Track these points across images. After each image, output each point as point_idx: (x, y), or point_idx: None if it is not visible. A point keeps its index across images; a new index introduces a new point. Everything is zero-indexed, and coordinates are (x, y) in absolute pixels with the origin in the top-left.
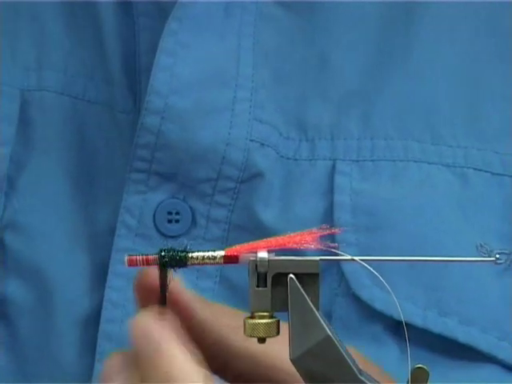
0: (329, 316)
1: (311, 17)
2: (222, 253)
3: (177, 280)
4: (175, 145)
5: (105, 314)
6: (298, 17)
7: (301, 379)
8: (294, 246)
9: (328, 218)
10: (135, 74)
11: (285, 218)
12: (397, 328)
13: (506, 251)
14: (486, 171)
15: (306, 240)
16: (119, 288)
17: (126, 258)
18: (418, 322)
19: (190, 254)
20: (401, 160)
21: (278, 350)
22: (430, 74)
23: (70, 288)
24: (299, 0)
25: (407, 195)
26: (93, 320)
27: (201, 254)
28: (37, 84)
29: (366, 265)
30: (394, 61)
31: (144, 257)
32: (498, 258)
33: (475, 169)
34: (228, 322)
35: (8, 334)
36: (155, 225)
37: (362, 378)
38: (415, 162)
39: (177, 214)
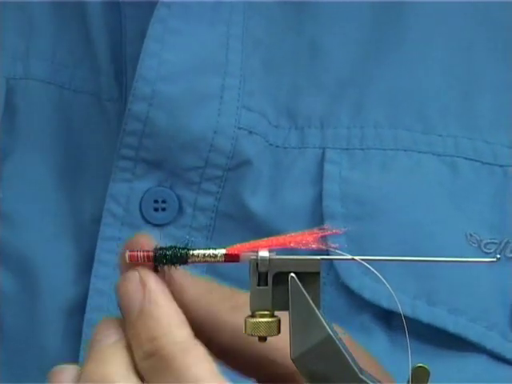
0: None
1: (301, 5)
2: (223, 251)
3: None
4: (163, 132)
5: (90, 302)
6: (288, 5)
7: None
8: (295, 245)
9: (317, 206)
10: (122, 63)
11: (273, 206)
12: (385, 317)
13: (496, 241)
14: (477, 160)
15: (307, 240)
16: (105, 276)
17: (128, 253)
18: (407, 311)
19: (191, 252)
20: (391, 149)
21: None
22: (423, 62)
23: (55, 277)
24: None
25: (397, 184)
26: (78, 308)
27: (202, 251)
28: (23, 73)
29: (367, 265)
30: (386, 49)
31: (146, 253)
32: (498, 258)
33: (465, 158)
34: (218, 297)
35: None
36: (141, 213)
37: (363, 378)
38: (405, 150)
39: (163, 202)
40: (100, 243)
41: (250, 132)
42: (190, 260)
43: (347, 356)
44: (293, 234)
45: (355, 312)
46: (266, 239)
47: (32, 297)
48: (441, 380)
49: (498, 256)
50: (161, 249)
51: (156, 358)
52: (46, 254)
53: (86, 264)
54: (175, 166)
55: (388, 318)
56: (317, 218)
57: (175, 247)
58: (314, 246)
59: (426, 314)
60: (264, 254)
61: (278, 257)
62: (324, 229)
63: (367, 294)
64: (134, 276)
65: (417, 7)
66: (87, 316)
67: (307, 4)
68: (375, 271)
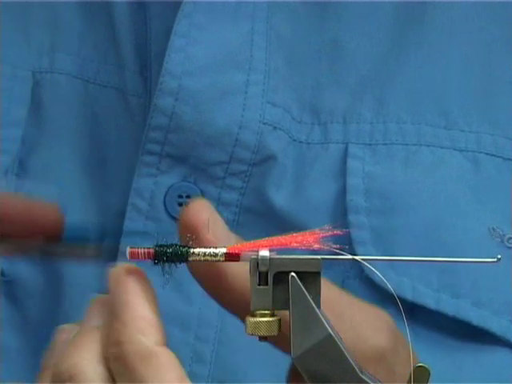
0: None
1: (324, 3)
2: (223, 250)
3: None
4: (188, 127)
5: None
6: (311, 3)
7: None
8: (296, 245)
9: (340, 200)
10: (146, 59)
11: (297, 201)
12: (410, 311)
13: None
14: (498, 156)
15: (309, 240)
16: None
17: (128, 250)
18: (431, 303)
19: (191, 250)
20: (413, 144)
21: None
22: (444, 60)
23: (77, 270)
24: None
25: (420, 179)
26: None
27: (202, 250)
28: (49, 66)
29: (367, 264)
30: (408, 47)
31: (146, 250)
32: (499, 259)
33: (487, 153)
34: None
35: (18, 316)
36: (165, 208)
37: (364, 377)
38: (427, 146)
39: (187, 197)
40: (124, 238)
41: (275, 127)
42: (190, 258)
43: (347, 355)
44: (294, 234)
45: (379, 306)
46: (266, 239)
47: (56, 290)
48: (464, 372)
49: (499, 256)
50: (161, 246)
51: (120, 364)
52: None
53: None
54: (200, 161)
55: (412, 312)
56: (340, 212)
57: (176, 245)
58: (315, 246)
59: (451, 306)
60: (264, 253)
61: (278, 256)
62: (325, 229)
63: (391, 287)
64: (116, 274)
65: (438, 6)
66: None
67: (330, 2)
68: (375, 271)
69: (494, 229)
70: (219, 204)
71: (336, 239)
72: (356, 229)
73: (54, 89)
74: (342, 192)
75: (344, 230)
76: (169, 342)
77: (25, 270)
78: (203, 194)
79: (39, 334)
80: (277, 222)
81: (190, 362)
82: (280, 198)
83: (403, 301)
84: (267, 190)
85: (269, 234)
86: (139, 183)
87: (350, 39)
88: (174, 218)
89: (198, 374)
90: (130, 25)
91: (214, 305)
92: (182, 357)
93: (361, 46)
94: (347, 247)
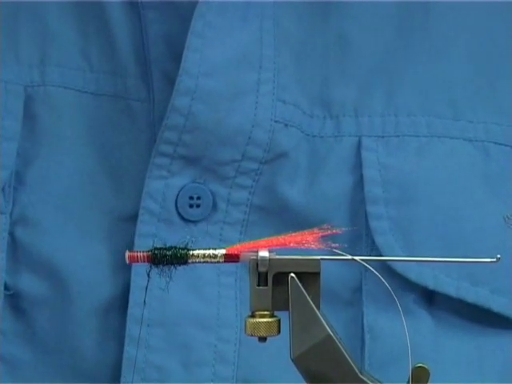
0: (358, 290)
1: None
2: (222, 251)
3: None
4: (203, 126)
5: (133, 297)
6: None
7: None
8: (295, 245)
9: (356, 192)
10: (146, 64)
11: (312, 195)
12: (430, 298)
13: None
14: (506, 145)
15: (307, 240)
16: (144, 273)
17: (127, 254)
18: (451, 291)
19: (190, 252)
20: (424, 136)
21: None
22: (450, 52)
23: (85, 277)
24: None
25: (434, 169)
26: (115, 306)
27: (202, 251)
28: (40, 80)
29: (366, 264)
30: (414, 40)
31: (145, 253)
32: (498, 259)
33: (495, 143)
34: None
35: (25, 327)
36: (177, 210)
37: (363, 378)
38: (438, 137)
39: (198, 198)
40: (137, 240)
41: (286, 125)
42: (189, 260)
43: (347, 355)
44: (293, 234)
45: (399, 294)
46: (265, 239)
47: (62, 299)
48: (486, 356)
49: (499, 256)
50: (160, 249)
51: None
52: (72, 256)
53: (120, 262)
54: (211, 161)
55: (432, 300)
56: (356, 204)
57: (175, 247)
58: (314, 246)
59: (470, 294)
60: (264, 253)
61: (277, 257)
62: (324, 229)
63: (413, 276)
64: None
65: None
66: (130, 311)
67: None
68: (375, 271)
69: (508, 217)
70: (229, 204)
71: (353, 230)
72: (375, 219)
73: (47, 101)
74: (358, 184)
75: (341, 229)
76: (191, 344)
77: (28, 282)
78: (213, 194)
79: (47, 346)
80: (292, 218)
81: (213, 362)
82: (295, 192)
83: (423, 289)
84: (279, 186)
85: (280, 232)
86: (151, 185)
87: (355, 32)
88: (185, 220)
89: (223, 375)
90: (127, 32)
91: (231, 305)
92: (205, 358)
93: (366, 39)
94: (346, 246)
